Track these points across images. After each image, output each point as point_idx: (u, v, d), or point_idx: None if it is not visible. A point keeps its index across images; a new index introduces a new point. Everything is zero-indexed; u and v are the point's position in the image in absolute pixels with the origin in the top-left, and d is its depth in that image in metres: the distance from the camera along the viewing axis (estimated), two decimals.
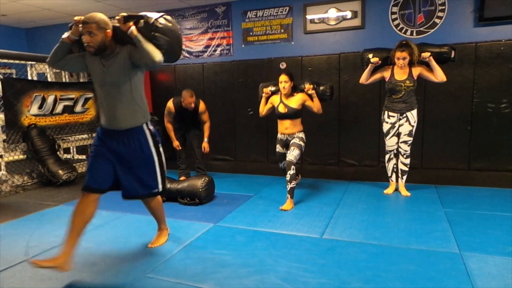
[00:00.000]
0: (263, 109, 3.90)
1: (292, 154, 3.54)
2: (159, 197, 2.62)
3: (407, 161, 3.79)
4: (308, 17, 5.15)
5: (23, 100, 4.52)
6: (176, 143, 4.49)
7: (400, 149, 3.79)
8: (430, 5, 4.61)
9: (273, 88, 3.88)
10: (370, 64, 3.70)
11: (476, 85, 4.47)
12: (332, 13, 5.02)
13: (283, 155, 3.78)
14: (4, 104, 4.35)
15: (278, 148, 3.85)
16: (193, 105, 4.33)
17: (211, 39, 5.80)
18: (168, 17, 2.36)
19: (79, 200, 2.31)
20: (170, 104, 4.43)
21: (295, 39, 5.30)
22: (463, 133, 4.58)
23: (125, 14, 2.26)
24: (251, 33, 5.54)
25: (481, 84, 4.45)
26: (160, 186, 2.49)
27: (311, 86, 3.70)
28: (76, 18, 2.25)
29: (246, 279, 2.17)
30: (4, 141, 4.43)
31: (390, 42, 4.73)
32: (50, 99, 4.82)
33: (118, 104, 2.31)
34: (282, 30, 5.35)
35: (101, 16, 2.23)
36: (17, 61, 4.68)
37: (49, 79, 5.31)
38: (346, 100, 5.03)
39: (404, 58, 3.55)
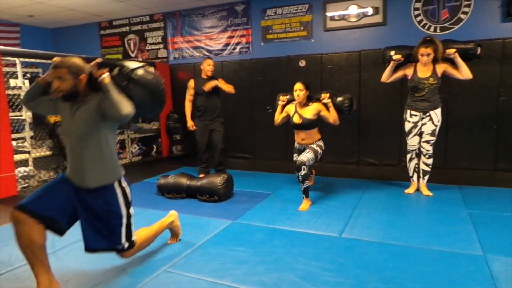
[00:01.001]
0: (278, 117, 3.84)
1: (306, 156, 3.47)
2: (134, 249, 2.28)
3: (430, 161, 3.68)
4: (328, 14, 5.11)
5: None
6: (190, 123, 4.52)
7: (422, 149, 3.67)
8: (455, 1, 4.50)
9: (289, 97, 3.79)
10: (392, 62, 3.59)
11: (503, 82, 4.33)
12: (353, 9, 4.96)
13: None
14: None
15: (295, 157, 3.72)
16: (211, 67, 4.43)
17: (230, 37, 5.84)
18: (150, 69, 2.19)
19: (15, 227, 1.96)
20: (190, 81, 4.56)
21: (314, 36, 5.27)
22: (488, 132, 4.44)
23: (100, 60, 2.13)
24: (270, 31, 5.54)
25: (508, 81, 4.31)
26: (124, 243, 2.18)
27: (327, 95, 3.58)
28: (55, 59, 2.07)
29: (264, 276, 2.19)
30: (31, 137, 4.59)
31: (412, 39, 4.63)
32: None
33: (84, 159, 2.06)
34: (302, 28, 5.32)
35: (75, 60, 2.05)
36: (43, 61, 4.82)
37: None
38: (366, 98, 4.96)
39: (428, 55, 3.42)
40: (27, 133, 4.62)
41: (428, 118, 3.57)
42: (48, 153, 4.77)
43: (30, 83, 4.44)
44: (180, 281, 2.16)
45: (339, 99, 3.65)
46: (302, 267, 2.28)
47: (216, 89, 4.48)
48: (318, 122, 3.65)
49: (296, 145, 3.82)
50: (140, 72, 2.12)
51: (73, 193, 2.09)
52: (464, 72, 3.41)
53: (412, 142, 3.68)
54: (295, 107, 3.68)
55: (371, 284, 2.07)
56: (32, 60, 4.95)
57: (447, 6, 4.53)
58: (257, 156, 5.77)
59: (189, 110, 4.55)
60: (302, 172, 3.39)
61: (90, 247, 2.13)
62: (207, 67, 4.44)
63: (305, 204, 3.45)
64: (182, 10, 6.17)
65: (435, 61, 3.48)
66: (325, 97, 3.56)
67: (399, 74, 3.66)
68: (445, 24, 4.55)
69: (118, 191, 2.14)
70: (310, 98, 3.66)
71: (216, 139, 4.56)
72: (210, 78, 4.47)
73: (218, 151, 4.57)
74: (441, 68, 3.48)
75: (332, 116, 3.56)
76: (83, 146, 2.07)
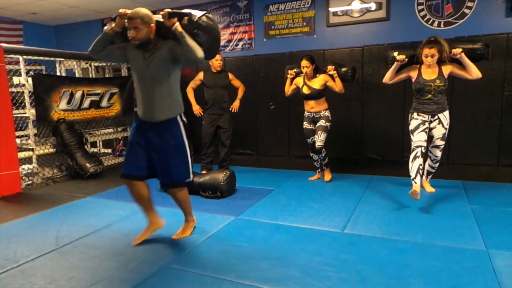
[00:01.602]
0: (288, 89, 4.16)
1: (321, 140, 3.94)
2: (186, 189, 2.71)
3: (436, 165, 3.55)
4: (331, 9, 5.08)
5: (52, 95, 4.69)
6: (196, 107, 4.53)
7: (430, 154, 3.50)
8: None
9: (297, 70, 4.10)
10: (395, 62, 3.37)
11: (507, 78, 4.29)
12: (356, 5, 4.93)
13: (311, 131, 4.08)
14: (35, 100, 4.52)
15: (306, 125, 4.12)
16: (219, 62, 4.46)
17: (233, 33, 5.82)
18: (210, 16, 2.45)
19: (128, 188, 2.58)
20: (200, 72, 4.60)
21: (317, 32, 5.24)
22: (492, 127, 4.42)
23: (169, 10, 2.33)
24: (273, 27, 5.52)
25: None
26: (191, 176, 2.61)
27: (333, 67, 3.90)
28: (121, 10, 2.36)
29: (267, 271, 2.19)
30: (35, 135, 4.61)
31: (416, 34, 4.61)
32: (78, 95, 4.98)
33: (155, 97, 2.41)
34: (304, 23, 5.30)
35: (145, 11, 2.32)
36: (46, 58, 4.84)
37: (76, 75, 5.47)
38: (369, 94, 4.94)
39: (433, 56, 3.21)
40: (31, 130, 4.64)
41: (437, 121, 3.35)
42: (51, 150, 4.80)
43: (33, 80, 4.46)
44: (184, 277, 2.17)
45: (343, 69, 3.96)
46: (305, 262, 2.29)
47: (224, 82, 4.53)
48: (325, 92, 4.00)
49: (306, 113, 4.14)
50: (205, 19, 2.40)
51: (145, 144, 2.49)
52: (473, 72, 3.19)
53: (419, 137, 3.32)
54: (303, 79, 4.03)
55: (374, 279, 2.08)
56: (35, 57, 4.97)
57: (451, 1, 4.49)
58: (260, 153, 5.77)
59: (193, 96, 4.54)
60: (323, 155, 4.08)
61: (164, 184, 2.66)
62: (215, 62, 4.46)
63: (328, 175, 4.21)
64: (185, 6, 6.16)
65: (440, 61, 3.29)
66: (331, 69, 3.90)
67: (403, 75, 3.48)
68: (449, 19, 4.52)
69: (181, 123, 2.52)
70: (317, 70, 4.01)
71: (223, 139, 4.58)
72: (220, 72, 4.52)
73: (224, 150, 4.59)
74: (447, 69, 3.29)
75: (338, 85, 3.91)
76: (155, 86, 2.40)
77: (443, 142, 3.44)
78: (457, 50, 3.14)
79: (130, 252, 2.52)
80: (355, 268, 2.20)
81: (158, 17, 2.38)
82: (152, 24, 2.34)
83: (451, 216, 3.01)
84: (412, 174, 3.23)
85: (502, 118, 4.37)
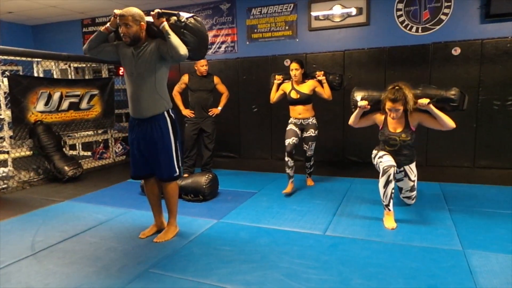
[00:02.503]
0: (274, 95, 4.02)
1: (311, 150, 3.99)
2: (175, 184, 2.79)
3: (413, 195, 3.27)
4: (313, 14, 5.14)
5: (29, 96, 4.56)
6: (186, 112, 4.49)
7: (403, 199, 3.33)
8: (436, 2, 4.59)
9: (284, 76, 4.05)
10: (358, 108, 3.08)
11: (482, 82, 4.44)
12: (337, 9, 5.01)
13: (294, 132, 3.89)
14: (10, 101, 4.39)
15: (291, 126, 3.92)
16: (205, 67, 4.41)
17: (215, 36, 5.81)
18: (198, 19, 2.58)
19: (144, 186, 2.85)
20: (185, 75, 4.55)
21: (299, 36, 5.30)
22: (468, 130, 4.55)
23: (159, 10, 2.49)
24: (255, 30, 5.54)
25: (487, 81, 4.42)
26: (177, 171, 2.71)
27: (322, 72, 3.89)
28: (115, 11, 2.50)
29: (249, 274, 2.19)
30: (11, 137, 4.47)
31: (395, 39, 4.72)
32: (56, 96, 4.87)
33: (142, 94, 2.54)
34: (287, 27, 5.34)
35: (136, 10, 2.49)
36: (23, 58, 4.71)
37: (55, 76, 5.35)
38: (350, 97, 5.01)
39: (396, 110, 2.87)
40: (6, 132, 4.50)
41: (403, 173, 3.11)
42: (28, 153, 4.66)
43: (9, 81, 4.34)
44: (164, 281, 2.14)
45: (331, 76, 3.96)
46: (287, 265, 2.30)
47: (209, 86, 4.49)
48: (313, 98, 3.92)
49: (292, 119, 3.98)
50: (193, 20, 2.53)
51: (137, 141, 2.64)
52: (445, 124, 2.84)
53: (388, 159, 2.97)
54: (291, 84, 3.93)
55: (355, 280, 2.10)
56: (12, 57, 4.83)
57: (428, 7, 4.61)
58: (243, 155, 5.77)
59: (180, 100, 4.51)
60: (312, 162, 4.14)
61: (158, 178, 2.73)
62: (201, 68, 4.41)
63: (310, 182, 4.22)
64: (168, 9, 6.10)
65: (407, 110, 2.92)
66: (320, 74, 3.87)
67: (368, 121, 3.20)
68: (426, 25, 4.64)
69: (168, 119, 2.62)
70: (306, 76, 3.95)
71: (206, 142, 4.55)
72: (205, 76, 4.48)
73: (207, 153, 4.57)
74: (414, 120, 2.96)
75: (326, 92, 3.88)
76: (142, 82, 2.53)
77: (414, 193, 3.22)
78: (423, 101, 2.80)
79: (109, 257, 2.47)
80: (336, 270, 2.23)
81: (150, 19, 2.53)
82: (143, 23, 2.50)
83: (429, 217, 3.08)
84: (385, 201, 2.91)
85: (477, 121, 4.52)
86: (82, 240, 2.77)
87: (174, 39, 2.43)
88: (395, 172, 2.89)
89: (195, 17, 2.57)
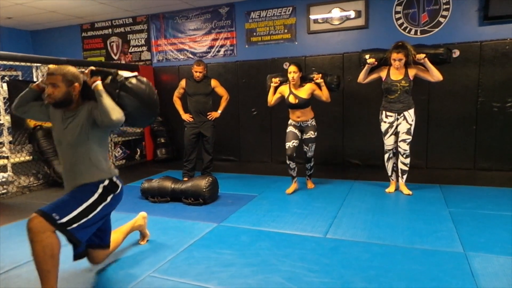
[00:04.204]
0: (272, 98, 4.02)
1: (312, 151, 4.01)
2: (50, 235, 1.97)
3: (407, 160, 3.77)
4: (312, 17, 5.16)
5: None
6: (185, 116, 4.49)
7: (399, 149, 3.78)
8: (434, 4, 4.60)
9: (281, 79, 4.01)
10: (366, 65, 3.73)
11: (481, 84, 4.45)
12: (336, 13, 5.03)
13: (295, 135, 3.94)
14: (10, 106, 4.39)
15: (291, 129, 3.97)
16: (200, 72, 4.38)
17: (214, 39, 5.83)
18: (143, 79, 2.22)
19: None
20: (182, 80, 4.57)
21: (298, 39, 5.31)
22: (468, 132, 4.55)
23: (93, 68, 2.17)
24: (254, 34, 5.56)
25: (486, 83, 4.43)
26: (62, 218, 1.96)
27: (320, 75, 3.87)
28: (50, 66, 2.15)
29: (250, 278, 2.18)
30: (10, 142, 4.47)
31: (394, 41, 4.70)
32: None
33: (74, 166, 2.11)
34: (286, 30, 5.36)
35: (70, 69, 2.11)
36: (22, 63, 4.71)
37: None
38: (350, 100, 5.02)
39: (400, 60, 3.56)
40: (6, 137, 4.49)
41: (402, 118, 3.71)
42: (27, 158, 4.65)
43: (8, 86, 4.34)
44: (164, 286, 2.13)
45: (329, 78, 3.95)
46: (288, 268, 2.29)
47: (206, 90, 4.49)
48: (311, 101, 3.93)
49: (291, 121, 4.00)
50: (133, 81, 2.17)
51: None
52: (434, 75, 3.55)
53: (389, 141, 3.82)
54: (289, 88, 3.90)
55: (356, 283, 2.09)
56: (11, 62, 4.83)
57: (426, 10, 4.63)
58: (243, 159, 5.77)
59: (180, 105, 4.54)
60: (312, 163, 4.12)
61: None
62: (195, 73, 4.41)
63: (310, 184, 4.19)
64: (165, 13, 6.13)
65: (407, 64, 3.63)
66: (318, 77, 3.86)
67: (374, 76, 3.81)
68: (425, 27, 4.66)
69: (100, 190, 2.12)
70: (304, 79, 3.92)
71: (206, 146, 4.54)
72: (202, 80, 4.46)
73: (207, 157, 4.56)
74: (412, 71, 3.63)
75: (324, 94, 3.88)
76: (73, 153, 2.11)
77: (409, 137, 3.72)
78: (420, 56, 3.53)
79: (109, 261, 2.46)
80: (337, 273, 2.22)
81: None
82: (76, 84, 2.09)
83: (430, 219, 3.07)
84: (389, 172, 3.92)
85: (477, 123, 4.52)
86: None
87: (106, 101, 2.05)
88: (393, 151, 3.84)
89: (138, 77, 2.21)
